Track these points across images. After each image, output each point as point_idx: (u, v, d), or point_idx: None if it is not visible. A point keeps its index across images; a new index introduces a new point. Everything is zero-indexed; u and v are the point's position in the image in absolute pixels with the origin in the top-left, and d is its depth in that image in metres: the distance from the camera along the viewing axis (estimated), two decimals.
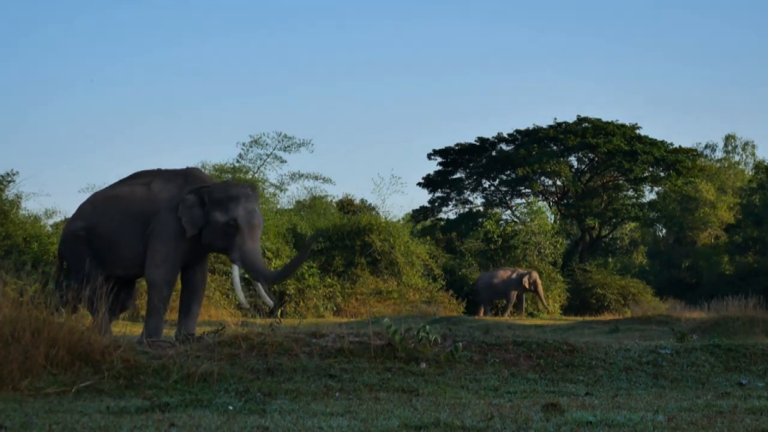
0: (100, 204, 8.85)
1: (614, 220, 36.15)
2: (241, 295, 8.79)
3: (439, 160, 36.48)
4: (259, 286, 8.73)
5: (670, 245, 41.58)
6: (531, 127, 35.25)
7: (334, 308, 23.80)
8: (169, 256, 8.42)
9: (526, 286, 24.74)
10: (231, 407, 5.41)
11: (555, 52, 67.86)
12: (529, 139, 35.01)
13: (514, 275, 25.15)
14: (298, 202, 32.30)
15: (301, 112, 62.47)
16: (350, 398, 6.02)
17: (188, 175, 8.82)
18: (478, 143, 35.85)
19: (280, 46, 66.17)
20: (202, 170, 9.09)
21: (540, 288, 25.24)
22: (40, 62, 60.49)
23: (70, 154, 60.43)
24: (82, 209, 8.99)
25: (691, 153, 35.88)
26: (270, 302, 8.83)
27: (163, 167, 9.12)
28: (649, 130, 64.30)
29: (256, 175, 28.45)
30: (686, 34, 70.31)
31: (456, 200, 37.04)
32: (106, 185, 9.36)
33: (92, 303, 7.50)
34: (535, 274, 25.19)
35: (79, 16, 61.39)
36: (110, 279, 8.33)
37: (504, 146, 36.04)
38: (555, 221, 35.34)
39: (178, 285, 8.96)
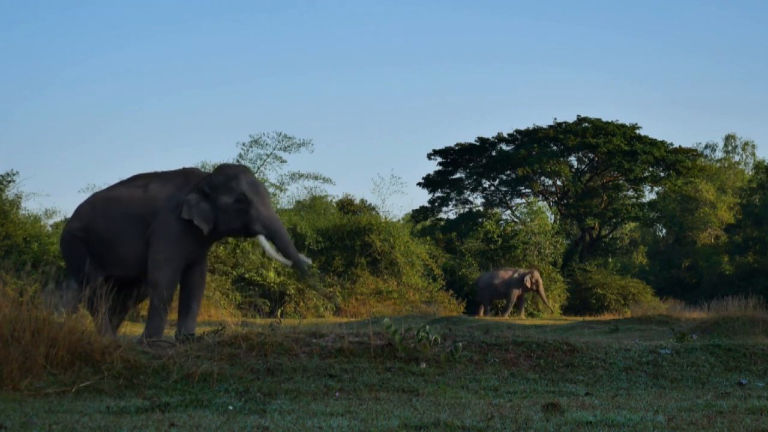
0: (98, 205, 8.86)
1: (614, 220, 36.11)
2: (281, 258, 8.67)
3: (439, 160, 36.48)
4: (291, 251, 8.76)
5: (670, 245, 41.55)
6: (531, 127, 35.27)
7: (334, 308, 23.80)
8: (172, 257, 8.41)
9: (528, 285, 24.57)
10: (231, 407, 5.41)
11: (555, 51, 67.93)
12: (529, 139, 35.00)
13: (515, 275, 25.01)
14: (298, 202, 32.27)
15: (301, 112, 62.55)
16: (350, 398, 6.02)
17: (188, 174, 8.82)
18: (478, 143, 35.85)
19: (281, 45, 66.21)
20: (201, 169, 9.07)
21: (541, 287, 25.12)
22: (40, 61, 60.51)
23: (70, 153, 60.50)
24: (81, 210, 9.00)
25: (691, 153, 35.85)
26: (308, 260, 8.95)
27: (164, 167, 9.16)
28: (649, 130, 64.56)
29: (255, 175, 28.46)
30: (686, 33, 70.38)
31: (456, 200, 37.02)
32: (106, 186, 9.38)
33: (92, 303, 7.51)
34: (536, 274, 25.06)
35: (80, 16, 61.40)
36: (110, 279, 8.33)
37: (504, 146, 36.03)
38: (555, 221, 35.29)
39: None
